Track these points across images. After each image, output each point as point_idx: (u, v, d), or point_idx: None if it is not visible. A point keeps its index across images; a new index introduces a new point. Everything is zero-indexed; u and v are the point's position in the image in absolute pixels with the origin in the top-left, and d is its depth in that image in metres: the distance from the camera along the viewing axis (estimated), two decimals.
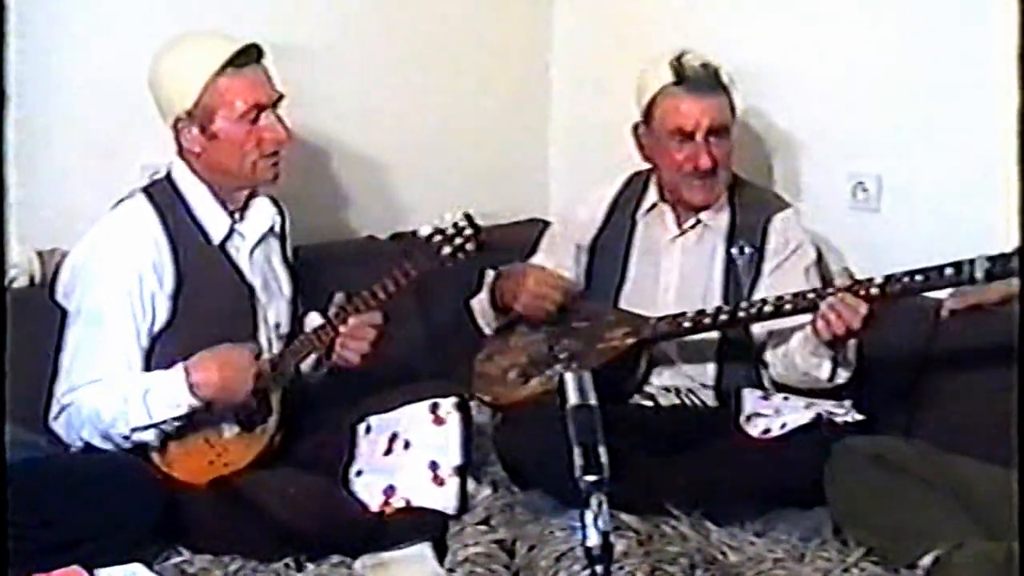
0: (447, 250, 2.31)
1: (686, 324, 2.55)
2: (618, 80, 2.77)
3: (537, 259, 2.87)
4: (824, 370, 2.50)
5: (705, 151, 2.61)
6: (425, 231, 2.34)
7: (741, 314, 2.51)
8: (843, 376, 2.52)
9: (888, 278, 2.35)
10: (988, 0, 2.41)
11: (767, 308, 2.48)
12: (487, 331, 2.83)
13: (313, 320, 2.45)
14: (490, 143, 3.35)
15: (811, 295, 2.43)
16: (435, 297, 2.86)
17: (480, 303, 2.84)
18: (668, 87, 2.63)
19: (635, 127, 2.72)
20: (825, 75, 2.93)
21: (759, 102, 2.98)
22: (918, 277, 2.32)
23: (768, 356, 2.62)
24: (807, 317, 2.43)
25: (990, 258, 2.22)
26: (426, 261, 2.32)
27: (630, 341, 2.60)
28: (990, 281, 2.24)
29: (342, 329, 2.35)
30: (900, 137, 2.85)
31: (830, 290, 2.41)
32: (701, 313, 2.55)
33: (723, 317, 2.53)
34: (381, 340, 2.38)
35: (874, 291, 2.34)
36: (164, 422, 2.24)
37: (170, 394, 2.22)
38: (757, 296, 2.60)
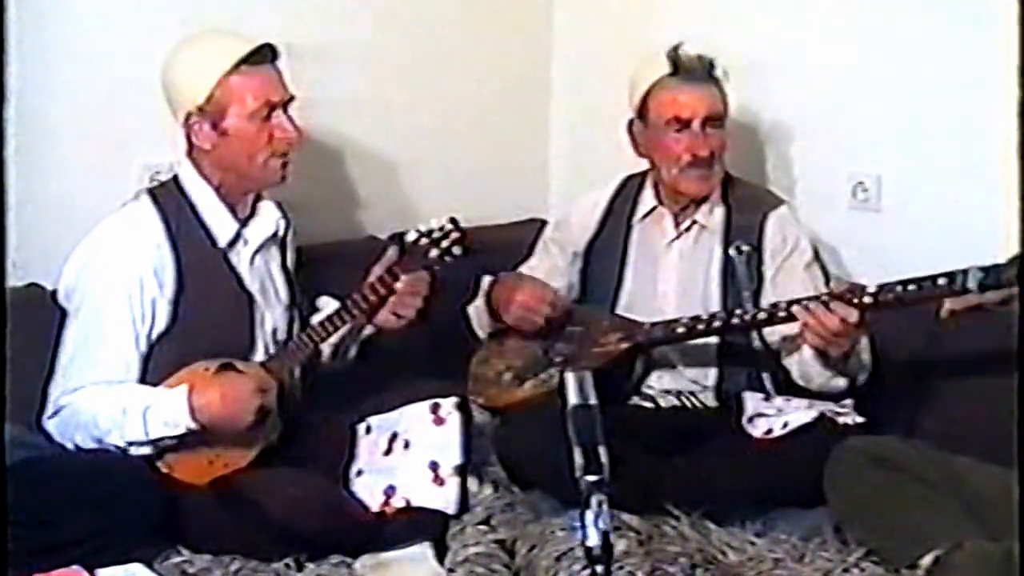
0: (434, 253, 2.32)
1: (680, 330, 2.56)
2: (619, 80, 2.76)
3: (530, 263, 2.88)
4: (840, 381, 2.51)
5: (703, 139, 2.63)
6: (411, 236, 2.35)
7: (735, 321, 2.51)
8: (861, 378, 2.53)
9: (881, 287, 2.33)
10: (988, 0, 2.41)
11: (760, 316, 2.48)
12: (482, 336, 2.84)
13: (326, 304, 2.45)
14: (490, 143, 3.35)
15: (804, 302, 2.40)
16: (433, 296, 2.85)
17: (476, 309, 2.85)
18: (664, 79, 2.65)
19: (629, 123, 2.73)
20: (825, 75, 2.93)
21: (759, 101, 2.98)
22: (911, 287, 2.30)
23: (785, 362, 2.60)
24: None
25: (983, 268, 2.20)
26: (413, 264, 2.33)
27: (624, 346, 2.61)
28: (983, 292, 2.20)
29: (398, 286, 2.35)
30: (900, 137, 2.85)
31: (823, 297, 2.39)
32: (696, 319, 2.55)
33: (717, 324, 2.53)
34: (432, 300, 2.40)
35: (867, 299, 2.33)
36: (160, 439, 2.24)
37: (170, 414, 2.22)
38: (762, 299, 2.61)
